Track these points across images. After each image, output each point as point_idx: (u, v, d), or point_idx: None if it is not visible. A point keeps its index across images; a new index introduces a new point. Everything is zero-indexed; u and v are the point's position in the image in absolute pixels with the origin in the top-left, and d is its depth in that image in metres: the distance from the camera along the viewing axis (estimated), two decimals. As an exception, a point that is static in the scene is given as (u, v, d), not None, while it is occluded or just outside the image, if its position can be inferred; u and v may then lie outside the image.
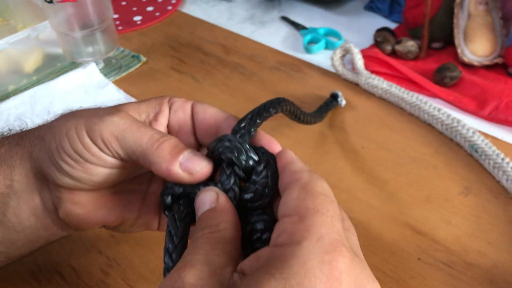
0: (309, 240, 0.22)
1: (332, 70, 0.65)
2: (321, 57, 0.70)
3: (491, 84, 0.60)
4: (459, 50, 0.64)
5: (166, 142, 0.30)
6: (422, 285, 0.40)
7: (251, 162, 0.28)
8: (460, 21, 0.65)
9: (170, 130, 0.34)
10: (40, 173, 0.33)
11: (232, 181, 0.28)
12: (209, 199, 0.27)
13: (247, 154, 0.28)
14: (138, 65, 0.69)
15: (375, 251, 0.43)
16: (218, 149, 0.29)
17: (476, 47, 0.64)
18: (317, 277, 0.21)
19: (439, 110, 0.54)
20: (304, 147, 0.54)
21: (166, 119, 0.34)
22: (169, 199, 0.30)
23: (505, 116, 0.55)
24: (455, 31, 0.65)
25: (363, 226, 0.45)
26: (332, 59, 0.64)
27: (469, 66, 0.64)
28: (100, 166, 0.31)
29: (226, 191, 0.28)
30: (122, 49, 0.73)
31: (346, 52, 0.65)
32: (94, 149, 0.30)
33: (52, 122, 0.33)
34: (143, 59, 0.70)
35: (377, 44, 0.69)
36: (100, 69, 0.67)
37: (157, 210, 0.35)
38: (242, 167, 0.28)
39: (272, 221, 0.27)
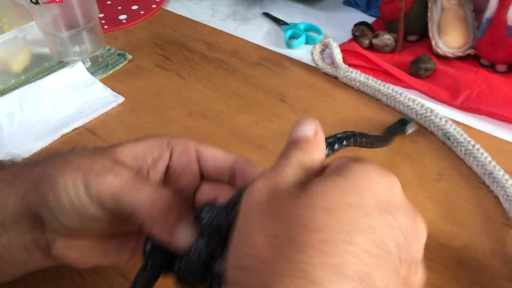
0: (364, 160, 0.26)
1: (313, 64, 0.67)
2: (302, 52, 0.72)
3: (463, 74, 0.63)
4: (433, 43, 0.67)
5: (170, 215, 0.30)
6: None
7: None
8: (434, 15, 0.67)
9: (172, 173, 0.35)
10: (33, 216, 0.32)
11: (203, 248, 0.28)
12: (308, 129, 0.29)
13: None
14: (124, 63, 0.71)
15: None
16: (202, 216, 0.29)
17: (450, 39, 0.66)
18: (378, 182, 0.25)
19: (413, 100, 0.57)
20: (286, 140, 0.56)
21: (165, 164, 0.35)
22: (148, 248, 0.30)
23: (476, 105, 0.58)
24: (429, 24, 0.67)
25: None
26: (312, 53, 0.67)
27: (443, 58, 0.67)
28: (97, 221, 0.31)
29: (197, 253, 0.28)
30: (108, 47, 0.74)
31: (326, 46, 0.67)
32: (92, 207, 0.30)
33: (46, 167, 0.32)
34: (129, 57, 0.72)
35: (355, 38, 0.71)
36: (87, 68, 0.68)
37: None
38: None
39: None
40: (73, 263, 0.34)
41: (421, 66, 0.63)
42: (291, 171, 0.26)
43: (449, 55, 0.66)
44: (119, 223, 0.33)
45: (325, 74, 0.66)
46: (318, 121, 0.30)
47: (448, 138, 0.53)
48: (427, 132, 0.56)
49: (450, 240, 0.44)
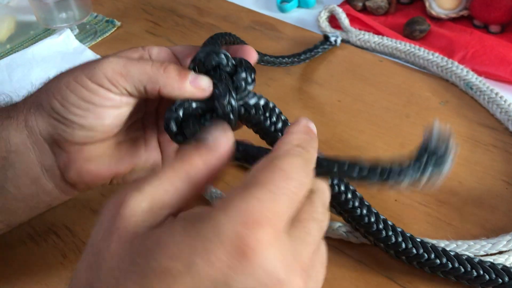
0: (230, 209, 0.20)
1: (307, 27, 0.67)
2: (294, 15, 0.71)
3: (457, 35, 0.63)
4: (427, 4, 0.66)
5: (170, 66, 0.31)
6: (399, 223, 0.42)
7: (231, 60, 0.32)
8: (427, -25, 0.67)
9: None
10: (40, 140, 0.33)
11: (226, 87, 0.31)
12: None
13: (225, 54, 0.31)
14: (113, 29, 0.69)
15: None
16: (201, 59, 0.31)
17: (443, 0, 0.66)
18: (224, 248, 0.19)
19: (433, 54, 0.58)
20: (282, 103, 0.56)
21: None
22: (173, 125, 0.31)
23: (471, 65, 0.58)
24: (423, -15, 0.67)
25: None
26: (318, 21, 0.66)
27: (436, 19, 0.66)
28: (110, 108, 0.32)
29: (223, 96, 0.30)
30: (95, 14, 0.72)
31: (330, 13, 0.66)
32: (102, 91, 0.31)
33: (42, 87, 0.33)
34: (118, 23, 0.70)
35: (348, 1, 0.70)
36: (75, 35, 0.66)
37: (158, 150, 0.37)
38: (227, 65, 0.31)
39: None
40: (92, 179, 0.34)
41: (416, 28, 0.63)
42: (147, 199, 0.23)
43: (443, 16, 0.66)
44: (130, 111, 0.33)
45: (319, 37, 0.66)
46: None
47: (471, 88, 0.54)
48: (449, 84, 0.57)
49: (450, 197, 0.45)
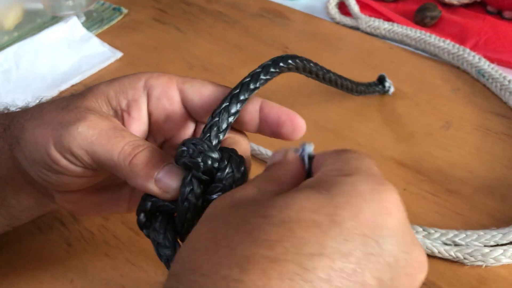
0: (359, 173, 0.21)
1: (316, 14, 0.66)
2: (303, 2, 0.70)
3: (470, 22, 0.61)
4: (439, -10, 0.65)
5: (139, 156, 0.27)
6: (408, 213, 0.42)
7: (209, 162, 0.26)
8: (439, -40, 0.65)
9: (154, 120, 0.31)
10: (22, 172, 0.31)
11: (188, 189, 0.25)
12: (277, 156, 0.26)
13: (205, 154, 0.26)
14: (120, 17, 0.69)
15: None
16: (176, 157, 0.27)
17: (456, -14, 0.64)
18: (367, 201, 0.20)
19: (444, 41, 0.57)
20: (290, 91, 0.55)
21: (143, 110, 0.31)
22: (142, 216, 0.28)
23: (484, 52, 0.57)
24: (435, -30, 0.65)
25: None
26: (327, 8, 0.66)
27: (448, 6, 0.65)
28: (74, 176, 0.29)
29: (183, 200, 0.26)
30: (102, 2, 0.72)
31: None
32: (64, 162, 0.28)
33: (24, 120, 0.30)
34: (125, 11, 0.70)
35: (358, -13, 0.69)
36: (82, 23, 0.66)
37: None
38: (201, 169, 0.26)
39: None
40: (73, 212, 0.34)
41: (427, 14, 0.62)
42: (254, 183, 0.23)
43: (455, 2, 0.64)
44: (102, 175, 0.31)
45: (330, 25, 0.65)
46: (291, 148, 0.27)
47: (483, 75, 0.53)
48: (460, 71, 0.56)
49: (459, 186, 0.44)
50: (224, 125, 0.28)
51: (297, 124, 0.30)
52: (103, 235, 0.42)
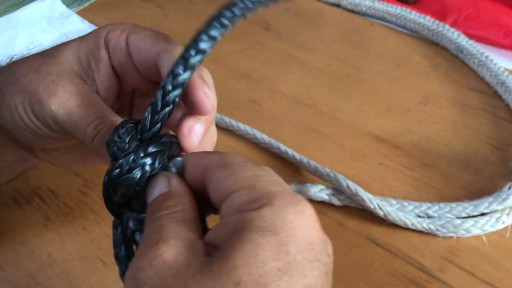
0: (277, 199, 0.21)
1: (297, -9, 0.65)
2: (285, -20, 0.69)
3: (450, -1, 0.62)
4: (421, -33, 0.65)
5: (96, 139, 0.28)
6: (384, 186, 0.43)
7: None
8: None
9: (120, 74, 0.32)
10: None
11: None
12: (160, 185, 0.25)
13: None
14: (101, -6, 0.68)
15: (340, 158, 0.45)
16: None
17: (438, -38, 0.64)
18: (299, 227, 0.21)
19: (424, 17, 0.57)
20: (271, 68, 0.55)
21: (109, 65, 0.31)
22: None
23: (464, 29, 0.57)
24: None
25: (328, 137, 0.47)
26: None
27: (430, -18, 0.65)
28: (54, 139, 0.31)
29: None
30: (83, -21, 0.71)
31: None
32: (43, 129, 0.30)
33: (0, 83, 0.31)
34: (106, -12, 0.69)
35: (341, -36, 0.69)
36: (62, 0, 0.65)
37: None
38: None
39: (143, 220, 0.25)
40: (56, 166, 0.36)
41: (408, -9, 0.62)
42: (171, 242, 0.21)
43: (437, -21, 0.64)
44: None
45: (311, 2, 0.64)
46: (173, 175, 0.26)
47: (461, 51, 0.53)
48: (439, 48, 0.57)
49: (435, 160, 0.44)
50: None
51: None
52: (82, 209, 0.42)
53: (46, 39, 0.60)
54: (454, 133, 0.47)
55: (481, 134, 0.47)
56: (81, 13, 0.65)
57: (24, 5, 0.64)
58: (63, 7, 0.64)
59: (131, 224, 0.25)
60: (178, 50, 0.28)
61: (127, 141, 0.25)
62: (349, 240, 0.39)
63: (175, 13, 0.64)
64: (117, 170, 0.24)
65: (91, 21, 0.63)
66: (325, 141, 0.47)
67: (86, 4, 0.66)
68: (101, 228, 0.40)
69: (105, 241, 0.39)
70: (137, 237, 0.25)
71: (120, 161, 0.24)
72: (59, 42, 0.60)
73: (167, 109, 0.25)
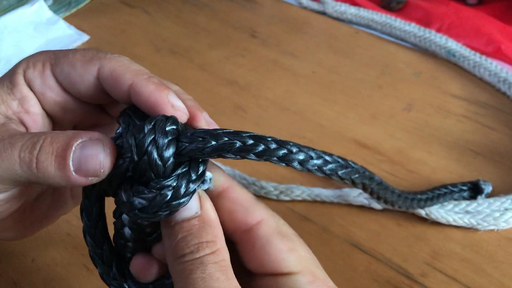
0: None
1: (288, 0, 0.66)
2: (272, -13, 0.70)
3: (434, 7, 0.62)
4: (405, -25, 0.66)
5: (41, 155, 0.23)
6: (367, 192, 0.43)
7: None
8: None
9: (53, 114, 0.27)
10: None
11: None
12: (193, 202, 0.23)
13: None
14: (88, 0, 0.68)
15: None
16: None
17: (422, -29, 0.65)
18: None
19: (409, 24, 0.58)
20: (257, 75, 0.56)
21: (36, 102, 0.26)
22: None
23: (448, 37, 0.58)
24: (402, -44, 0.66)
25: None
26: None
27: (415, -9, 0.66)
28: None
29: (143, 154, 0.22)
30: (70, -16, 0.71)
31: None
32: None
33: None
34: (93, -6, 0.69)
35: (327, -28, 0.69)
36: (49, 6, 0.65)
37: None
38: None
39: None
40: (14, 240, 0.30)
41: (393, -1, 0.63)
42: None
43: (421, -12, 0.65)
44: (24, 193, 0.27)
45: (298, 9, 0.65)
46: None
47: (454, 55, 0.54)
48: (424, 55, 0.57)
49: (418, 166, 0.45)
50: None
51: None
52: (66, 215, 0.42)
53: (32, 45, 0.60)
54: (437, 139, 0.48)
55: (463, 141, 0.47)
56: (68, 19, 0.65)
57: (10, 10, 0.64)
58: (50, 13, 0.64)
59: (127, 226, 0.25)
60: (114, 63, 0.25)
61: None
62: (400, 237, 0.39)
63: (162, 19, 0.65)
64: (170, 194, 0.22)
65: (78, 27, 0.63)
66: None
67: (73, 10, 0.66)
68: (85, 234, 0.40)
69: (89, 247, 0.39)
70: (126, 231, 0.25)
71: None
72: (45, 48, 0.60)
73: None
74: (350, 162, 0.25)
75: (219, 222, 0.23)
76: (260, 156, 0.22)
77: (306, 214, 0.41)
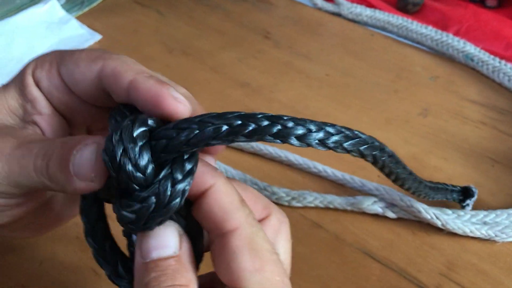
0: None
1: (299, 0, 0.65)
2: (286, -12, 0.69)
3: (452, 10, 0.61)
4: (422, -23, 0.65)
5: (52, 162, 0.23)
6: (381, 199, 0.42)
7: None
8: None
9: (65, 115, 0.27)
10: None
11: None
12: (172, 240, 0.22)
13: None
14: (101, 0, 0.68)
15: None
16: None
17: (439, -27, 0.64)
18: None
19: (426, 27, 0.57)
20: (270, 77, 0.55)
21: (47, 102, 0.26)
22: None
23: (466, 40, 0.57)
24: (419, -43, 0.65)
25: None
26: None
27: (432, -7, 0.65)
28: (13, 207, 0.26)
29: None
30: (83, -16, 0.71)
31: None
32: None
33: None
34: (105, -7, 0.69)
35: (342, -28, 0.68)
36: (61, 5, 0.65)
37: None
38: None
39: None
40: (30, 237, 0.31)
41: (409, 1, 0.62)
42: None
43: (438, -11, 0.64)
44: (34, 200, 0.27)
45: (312, 10, 0.64)
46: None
47: (472, 59, 0.52)
48: (441, 58, 0.56)
49: (434, 173, 0.44)
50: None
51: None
52: (75, 218, 0.41)
53: (44, 45, 0.59)
54: (453, 146, 0.46)
55: (480, 148, 0.46)
56: (81, 18, 0.64)
57: (22, 9, 0.64)
58: (62, 12, 0.64)
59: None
60: (117, 62, 0.24)
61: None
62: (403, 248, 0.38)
63: (174, 19, 0.64)
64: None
65: (90, 27, 0.63)
66: (323, 152, 0.46)
67: (86, 9, 0.66)
68: (93, 237, 0.40)
69: (98, 251, 0.39)
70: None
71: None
72: (57, 47, 0.60)
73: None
74: (357, 132, 0.22)
75: (194, 266, 0.22)
76: (250, 136, 0.20)
77: (318, 221, 0.40)
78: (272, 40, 0.60)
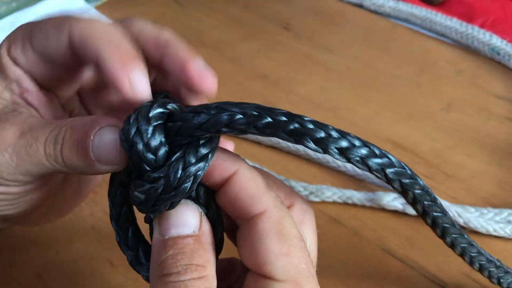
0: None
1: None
2: (307, -22, 0.68)
3: (478, 1, 0.60)
4: (448, -33, 0.63)
5: (65, 148, 0.22)
6: (401, 195, 0.41)
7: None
8: None
9: (51, 87, 0.26)
10: None
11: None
12: (192, 219, 0.22)
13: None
14: (120, -11, 0.68)
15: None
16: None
17: (465, -37, 0.62)
18: None
19: (451, 19, 0.56)
20: (289, 69, 0.54)
21: (30, 78, 0.25)
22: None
23: (492, 33, 0.55)
24: None
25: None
26: None
27: (457, -16, 0.63)
28: (28, 194, 0.25)
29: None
30: (103, -27, 0.70)
31: None
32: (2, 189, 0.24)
33: None
34: (125, -17, 0.68)
35: (364, -37, 0.67)
36: (81, -5, 0.65)
37: None
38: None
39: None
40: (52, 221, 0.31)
41: (434, -7, 0.60)
42: None
43: (464, -19, 0.62)
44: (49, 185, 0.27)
45: (333, 1, 0.63)
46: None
47: (498, 53, 0.51)
48: (465, 52, 0.55)
49: (457, 170, 0.43)
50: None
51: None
52: (91, 207, 0.41)
53: (63, 34, 0.59)
54: (477, 142, 0.45)
55: (505, 144, 0.45)
56: (100, 8, 0.64)
57: (43, -1, 0.64)
58: (82, 2, 0.64)
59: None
60: (83, 26, 0.23)
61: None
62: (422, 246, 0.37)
63: (194, 10, 0.64)
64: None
65: (110, 16, 0.62)
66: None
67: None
68: (110, 228, 0.39)
69: (114, 242, 0.38)
70: None
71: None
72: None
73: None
74: (403, 163, 0.21)
75: (213, 248, 0.22)
76: (263, 129, 0.20)
77: (337, 216, 0.39)
78: (292, 32, 0.59)
